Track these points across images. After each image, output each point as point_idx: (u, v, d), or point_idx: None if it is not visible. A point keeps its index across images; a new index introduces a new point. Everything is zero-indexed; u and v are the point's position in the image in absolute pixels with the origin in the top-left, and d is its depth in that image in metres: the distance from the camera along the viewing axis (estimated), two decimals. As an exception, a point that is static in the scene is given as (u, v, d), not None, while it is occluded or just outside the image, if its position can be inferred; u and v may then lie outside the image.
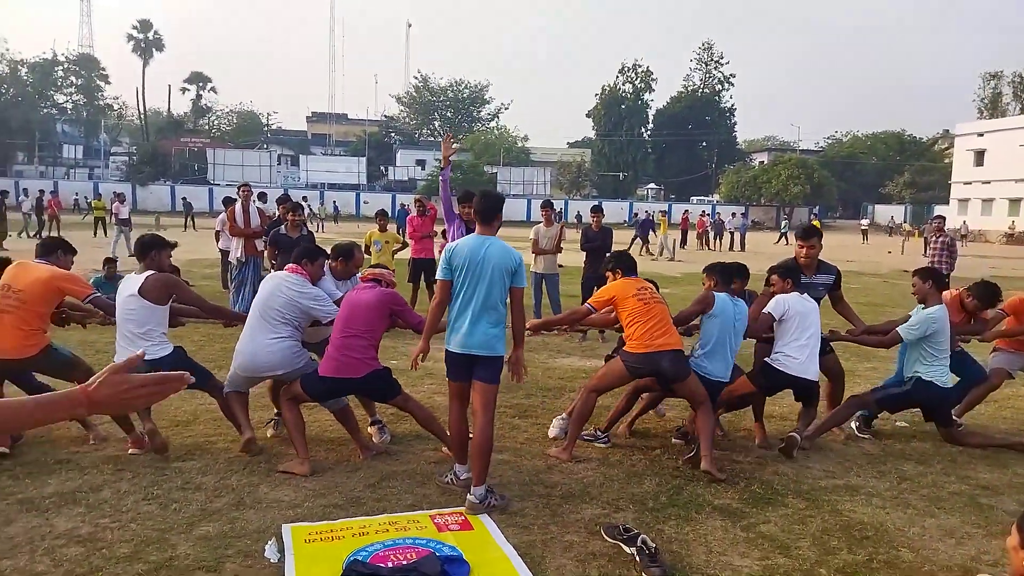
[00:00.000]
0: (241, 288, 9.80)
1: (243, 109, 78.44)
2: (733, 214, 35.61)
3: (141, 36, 67.63)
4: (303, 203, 13.85)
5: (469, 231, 7.85)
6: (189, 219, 32.53)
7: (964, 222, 44.31)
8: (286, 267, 4.81)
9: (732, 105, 74.44)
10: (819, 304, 5.29)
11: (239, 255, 9.86)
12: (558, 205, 49.59)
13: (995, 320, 5.87)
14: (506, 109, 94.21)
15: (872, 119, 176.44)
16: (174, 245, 4.94)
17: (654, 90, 71.54)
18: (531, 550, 3.50)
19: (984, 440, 5.36)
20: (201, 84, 72.05)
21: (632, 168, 70.02)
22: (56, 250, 4.87)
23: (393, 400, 4.67)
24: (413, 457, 4.71)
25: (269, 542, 3.45)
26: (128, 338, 4.46)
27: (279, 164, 62.54)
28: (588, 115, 73.49)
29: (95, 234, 24.19)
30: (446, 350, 4.10)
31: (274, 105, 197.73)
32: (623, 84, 71.27)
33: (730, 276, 5.13)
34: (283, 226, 8.91)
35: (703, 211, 39.32)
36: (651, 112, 73.06)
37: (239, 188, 10.43)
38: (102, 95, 71.41)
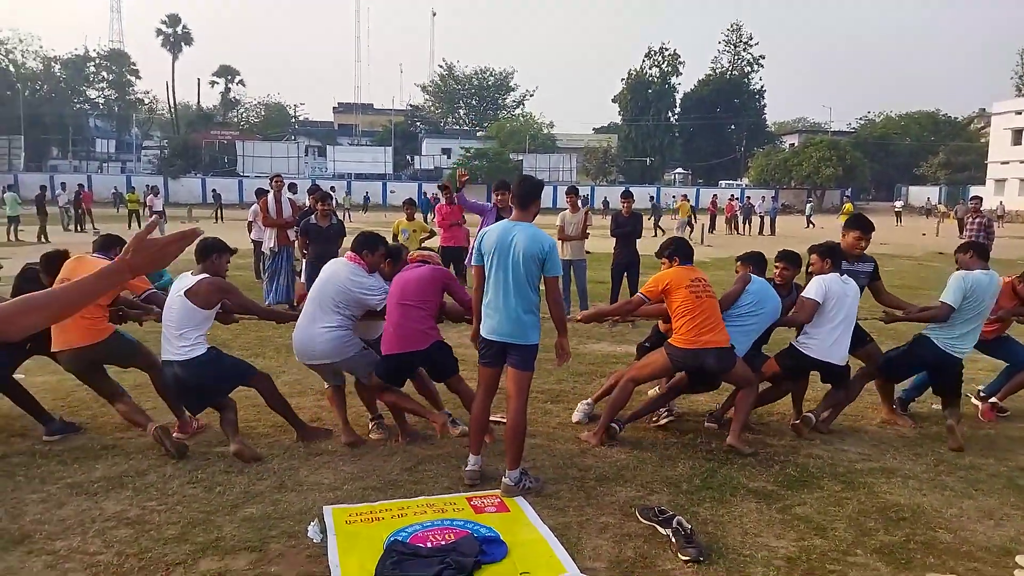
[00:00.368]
0: (275, 278, 9.96)
1: (271, 101, 79.30)
2: (763, 198, 35.13)
3: (170, 30, 68.46)
4: (331, 193, 13.99)
5: (500, 219, 7.93)
6: (218, 211, 33.00)
7: (1001, 202, 43.16)
8: (346, 255, 4.85)
9: (761, 87, 73.34)
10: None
11: (272, 245, 10.00)
12: (584, 191, 49.50)
13: None
14: (531, 96, 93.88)
15: (906, 99, 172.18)
16: (234, 251, 4.95)
17: (681, 73, 70.78)
18: (567, 531, 3.55)
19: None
20: (229, 77, 72.87)
21: (659, 153, 69.36)
22: (115, 246, 4.99)
23: (450, 379, 4.68)
24: (448, 442, 4.78)
25: (311, 523, 3.54)
26: (166, 336, 4.47)
27: (307, 155, 63.00)
28: (614, 100, 72.90)
29: (129, 226, 24.71)
30: (479, 335, 4.14)
31: (301, 96, 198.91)
32: (650, 68, 70.53)
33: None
34: (313, 216, 9.04)
35: (732, 195, 38.86)
36: (678, 96, 72.16)
37: (271, 179, 10.58)
38: (133, 90, 72.60)
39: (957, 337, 5.03)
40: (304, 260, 9.05)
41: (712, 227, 29.45)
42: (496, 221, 7.94)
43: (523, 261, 3.92)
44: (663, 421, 5.15)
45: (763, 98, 73.64)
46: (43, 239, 20.20)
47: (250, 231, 12.31)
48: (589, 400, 5.41)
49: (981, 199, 13.21)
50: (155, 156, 63.42)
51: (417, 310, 4.47)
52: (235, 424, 4.49)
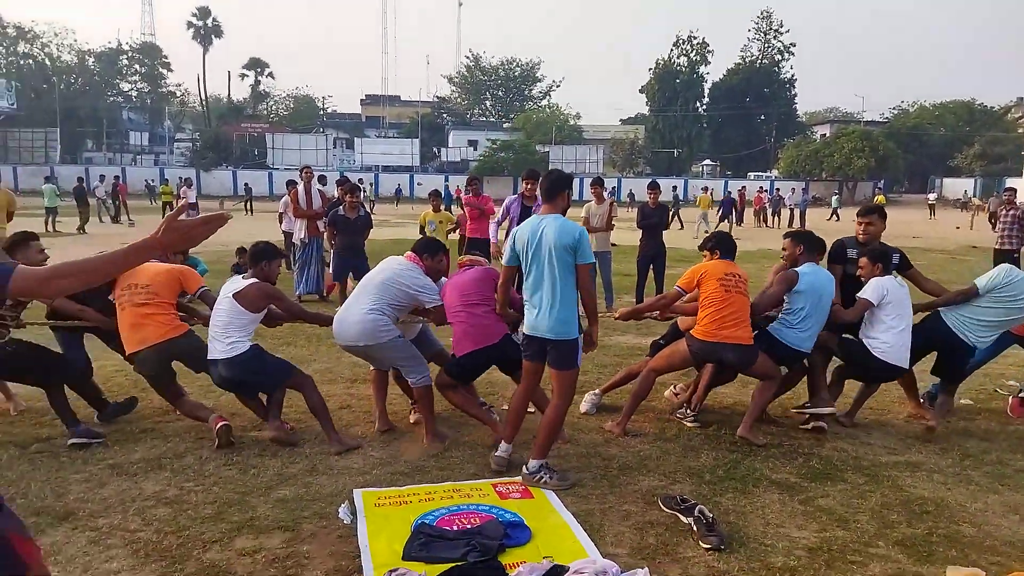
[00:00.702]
0: (305, 268, 10.13)
1: (299, 94, 79.85)
2: (792, 190, 34.64)
3: (200, 23, 69.21)
4: (359, 185, 14.14)
5: (525, 210, 7.98)
6: (247, 203, 33.48)
7: (1038, 195, 42.22)
8: (405, 255, 4.86)
9: (792, 76, 72.10)
10: None
11: (302, 236, 10.18)
12: (611, 183, 49.29)
13: None
14: (557, 87, 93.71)
15: (941, 88, 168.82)
16: (284, 255, 5.06)
17: (710, 63, 69.64)
18: (590, 518, 3.62)
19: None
20: (259, 70, 73.48)
21: (687, 144, 68.60)
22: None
23: (517, 372, 4.52)
24: (474, 429, 4.86)
25: (342, 505, 3.66)
26: (212, 336, 4.58)
27: (335, 147, 63.52)
28: (641, 91, 72.20)
29: (163, 218, 25.08)
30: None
31: (329, 89, 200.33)
32: (678, 58, 69.64)
33: (816, 246, 5.09)
34: (341, 207, 9.19)
35: (760, 187, 38.42)
36: (707, 86, 71.10)
37: (302, 171, 10.75)
38: (165, 82, 73.57)
39: (974, 322, 4.99)
40: (332, 251, 9.21)
41: (740, 220, 29.16)
42: (520, 210, 8.08)
43: (556, 252, 3.91)
44: (689, 424, 5.15)
45: (794, 87, 72.44)
46: (82, 231, 20.64)
47: (281, 222, 12.52)
48: (597, 391, 5.48)
49: (1015, 191, 12.90)
50: (187, 149, 64.33)
51: (482, 306, 4.56)
52: (280, 405, 4.65)
